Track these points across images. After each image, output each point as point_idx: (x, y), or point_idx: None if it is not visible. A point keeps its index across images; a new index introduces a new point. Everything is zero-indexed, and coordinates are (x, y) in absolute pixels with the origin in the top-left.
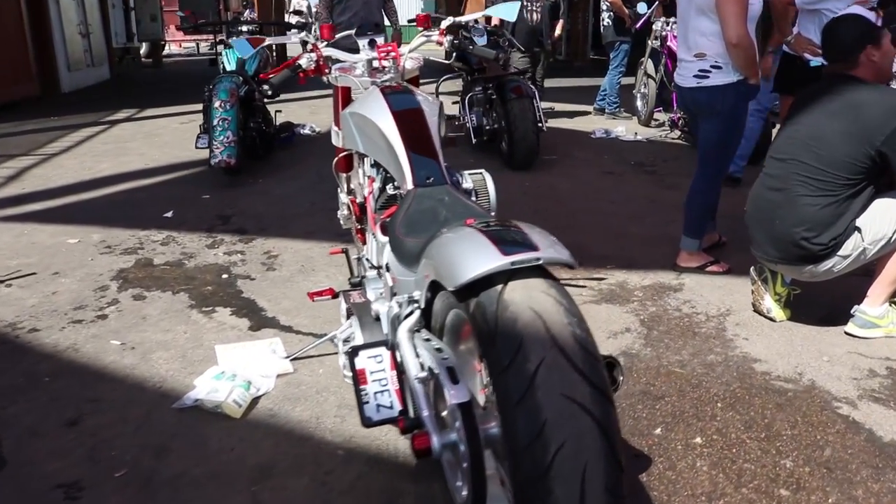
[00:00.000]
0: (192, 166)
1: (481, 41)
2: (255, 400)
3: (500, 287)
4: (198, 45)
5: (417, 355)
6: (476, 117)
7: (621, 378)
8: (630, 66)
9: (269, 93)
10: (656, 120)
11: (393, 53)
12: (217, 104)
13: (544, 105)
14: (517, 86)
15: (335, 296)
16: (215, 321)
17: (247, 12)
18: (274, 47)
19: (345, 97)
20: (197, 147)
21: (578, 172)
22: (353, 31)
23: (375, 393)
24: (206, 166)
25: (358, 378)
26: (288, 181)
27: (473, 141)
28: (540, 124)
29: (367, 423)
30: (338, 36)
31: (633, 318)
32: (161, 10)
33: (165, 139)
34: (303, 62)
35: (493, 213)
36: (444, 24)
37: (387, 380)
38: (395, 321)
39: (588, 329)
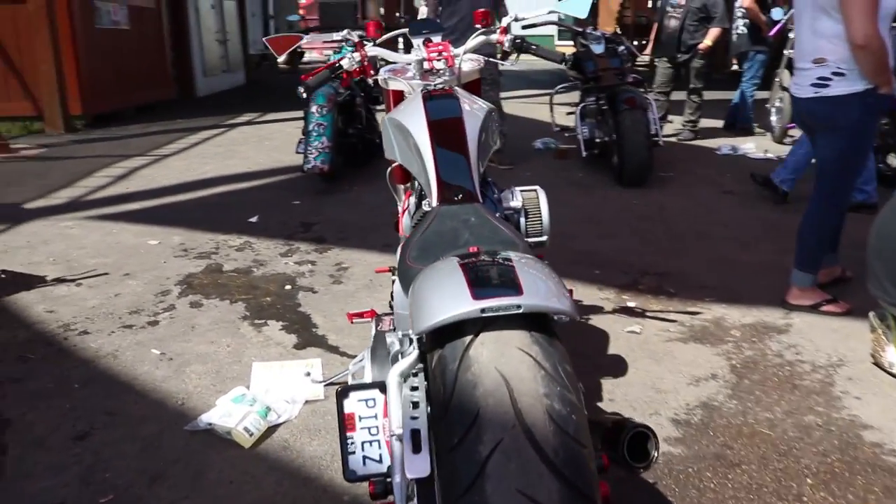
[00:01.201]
0: (291, 171)
1: (598, 48)
2: (274, 428)
3: (468, 339)
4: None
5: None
6: (588, 129)
7: (655, 453)
8: (765, 78)
9: (304, 95)
10: (791, 136)
11: (445, 54)
12: (314, 109)
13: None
14: (631, 97)
15: (377, 318)
16: (263, 335)
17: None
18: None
19: (396, 101)
20: (297, 152)
21: (694, 191)
22: (406, 30)
23: (363, 443)
24: (307, 173)
25: (345, 423)
26: (382, 190)
27: (584, 154)
28: (655, 138)
29: (350, 476)
30: (387, 35)
31: (724, 363)
32: (301, 18)
33: (275, 143)
34: (345, 63)
35: (545, 238)
36: (505, 21)
37: (377, 428)
38: (393, 361)
39: (577, 404)
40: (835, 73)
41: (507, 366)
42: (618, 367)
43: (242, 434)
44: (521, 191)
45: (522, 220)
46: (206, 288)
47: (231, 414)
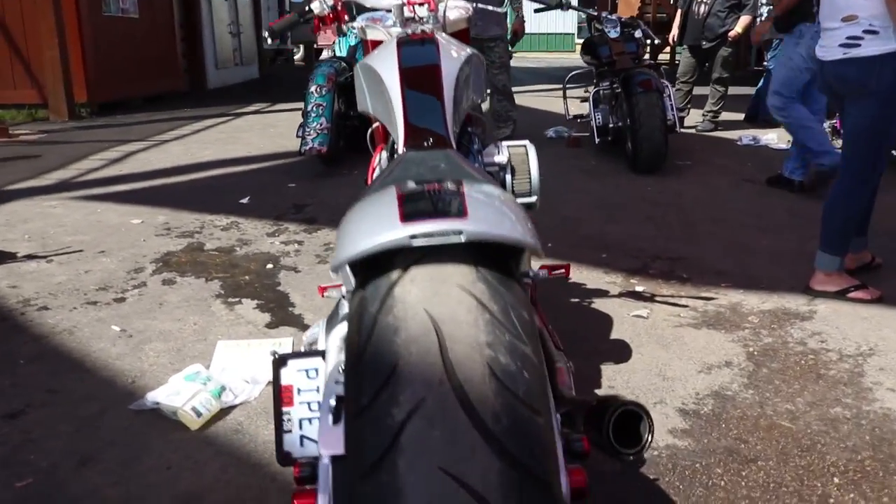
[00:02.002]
0: (292, 156)
1: (614, 33)
2: (229, 409)
3: (395, 275)
4: None
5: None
6: (602, 115)
7: (648, 437)
8: None
9: (269, 41)
10: None
11: None
12: (313, 89)
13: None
14: (646, 79)
15: None
16: (234, 314)
17: None
18: None
19: None
20: (297, 136)
21: (712, 180)
22: None
23: (301, 420)
24: (305, 156)
25: (281, 396)
26: None
27: (597, 141)
28: (670, 122)
29: (284, 460)
30: None
31: (739, 350)
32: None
33: (280, 130)
34: (315, 7)
35: (534, 199)
36: None
37: (319, 403)
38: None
39: (532, 359)
40: (866, 32)
41: (440, 306)
42: (620, 352)
43: (189, 415)
44: (509, 146)
45: (508, 177)
46: (183, 266)
47: (180, 392)
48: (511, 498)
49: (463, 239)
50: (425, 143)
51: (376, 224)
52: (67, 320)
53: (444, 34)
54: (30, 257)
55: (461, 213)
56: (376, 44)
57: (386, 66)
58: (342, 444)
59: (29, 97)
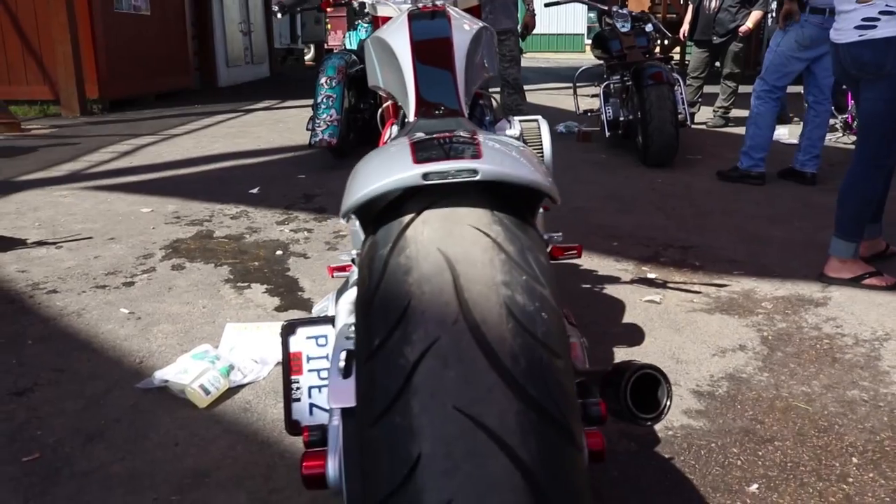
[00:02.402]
0: (301, 149)
1: (625, 27)
2: (237, 389)
3: (407, 218)
4: None
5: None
6: (612, 109)
7: (667, 402)
8: None
9: (279, 15)
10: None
11: None
12: (322, 80)
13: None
14: (657, 72)
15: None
16: (244, 298)
17: None
18: None
19: None
20: (307, 129)
21: None
22: None
23: (311, 388)
24: (315, 148)
25: (290, 364)
26: None
27: (607, 135)
28: (681, 116)
29: (293, 429)
30: None
31: (753, 334)
32: (325, 13)
33: (289, 125)
34: None
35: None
36: None
37: (329, 371)
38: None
39: (549, 301)
40: (883, 13)
41: (454, 246)
42: (633, 336)
43: (198, 392)
44: (521, 120)
45: None
46: (192, 252)
47: (188, 370)
48: (529, 439)
49: (478, 177)
50: (436, 112)
51: (387, 167)
52: (76, 303)
53: (454, 8)
54: (39, 243)
55: (476, 153)
56: (387, 20)
57: (397, 38)
58: (353, 395)
59: (41, 93)
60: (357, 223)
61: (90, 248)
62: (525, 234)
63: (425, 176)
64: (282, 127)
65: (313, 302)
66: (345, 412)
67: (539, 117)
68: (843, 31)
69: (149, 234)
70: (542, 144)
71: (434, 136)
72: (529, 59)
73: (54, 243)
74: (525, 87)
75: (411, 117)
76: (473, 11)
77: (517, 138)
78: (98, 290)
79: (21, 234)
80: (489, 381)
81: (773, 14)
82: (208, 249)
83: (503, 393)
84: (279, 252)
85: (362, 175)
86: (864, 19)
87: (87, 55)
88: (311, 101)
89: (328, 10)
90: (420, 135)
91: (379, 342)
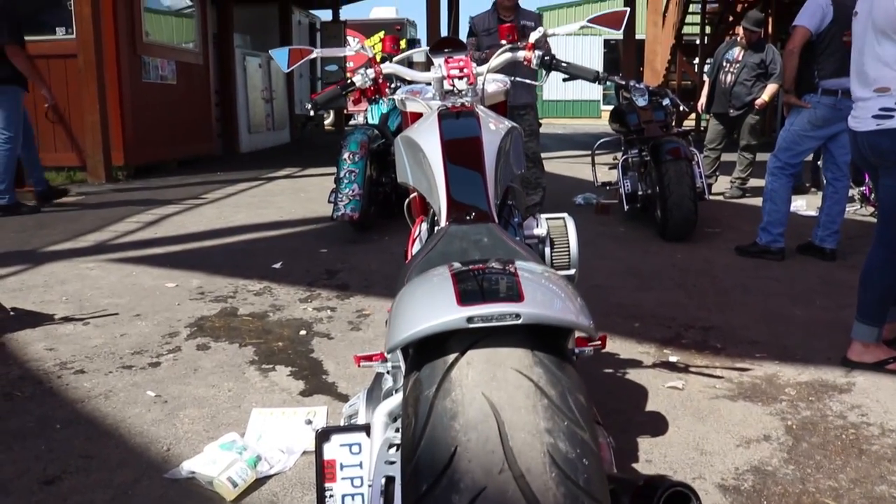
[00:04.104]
0: (323, 221)
1: (642, 101)
2: (264, 479)
3: (451, 358)
4: None
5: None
6: (631, 182)
7: None
8: None
9: (312, 112)
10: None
11: (466, 70)
12: (346, 156)
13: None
14: (675, 147)
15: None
16: (268, 381)
17: None
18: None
19: None
20: (329, 201)
21: None
22: (425, 48)
23: (344, 496)
24: (337, 221)
25: (324, 471)
26: None
27: (626, 208)
28: (699, 189)
29: None
30: (405, 53)
31: (778, 423)
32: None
33: (311, 195)
34: (356, 80)
35: (573, 271)
36: (534, 36)
37: (362, 479)
38: (379, 400)
39: (590, 446)
40: None
41: (498, 391)
42: (657, 424)
43: (225, 485)
44: (548, 218)
45: (547, 249)
46: (217, 331)
47: (216, 461)
48: None
49: (520, 321)
50: (467, 217)
51: (433, 305)
52: (103, 384)
53: (482, 107)
54: (66, 319)
55: (517, 295)
56: (416, 116)
57: (428, 138)
58: None
59: (68, 160)
60: (399, 354)
61: (116, 324)
62: (565, 375)
63: (470, 319)
64: (303, 197)
65: (337, 386)
66: None
67: (565, 215)
68: (861, 120)
69: (174, 310)
70: (568, 243)
71: (473, 267)
72: (546, 126)
73: (81, 319)
74: (543, 155)
75: (443, 221)
76: (500, 107)
77: (544, 237)
78: (125, 371)
79: (49, 308)
80: None
81: None
82: (233, 328)
83: None
84: (303, 332)
85: (408, 311)
86: (881, 109)
87: (114, 123)
88: (331, 169)
89: (354, 109)
90: (458, 265)
91: (426, 488)
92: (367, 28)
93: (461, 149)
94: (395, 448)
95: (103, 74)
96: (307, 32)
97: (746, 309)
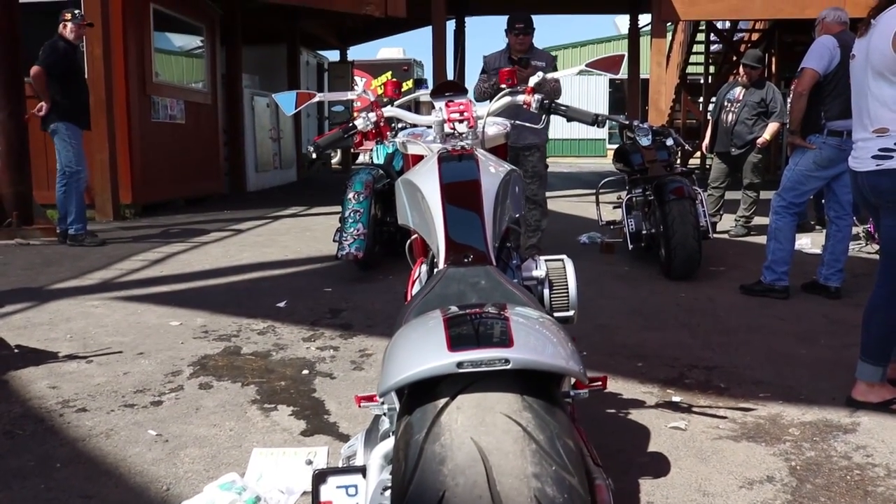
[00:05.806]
0: (328, 260)
1: (645, 140)
2: None
3: (441, 403)
4: None
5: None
6: (635, 221)
7: None
8: None
9: (314, 155)
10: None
11: (466, 114)
12: (350, 195)
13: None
14: (678, 186)
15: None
16: (270, 420)
17: None
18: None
19: None
20: (333, 241)
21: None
22: (427, 91)
23: None
24: (341, 260)
25: None
26: None
27: (630, 247)
28: (703, 228)
29: None
30: (412, 95)
31: (782, 464)
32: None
33: (316, 234)
34: (358, 123)
35: (571, 313)
36: (533, 80)
37: None
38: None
39: (578, 491)
40: None
41: (486, 436)
42: (658, 465)
43: None
44: (546, 260)
45: (546, 291)
46: (220, 370)
47: (215, 502)
48: None
49: (510, 366)
50: (465, 260)
51: (424, 350)
52: (104, 423)
53: (482, 150)
54: (70, 357)
55: (506, 340)
56: (417, 158)
57: (427, 181)
58: None
59: None
60: (394, 395)
61: (120, 363)
62: (554, 419)
63: (460, 364)
64: (308, 236)
65: (339, 426)
66: None
67: (564, 257)
68: (861, 160)
69: (177, 349)
70: (567, 285)
71: (466, 312)
72: (551, 164)
73: (85, 357)
74: (547, 194)
75: (441, 263)
76: (500, 150)
77: (543, 279)
78: (126, 410)
79: (53, 346)
80: None
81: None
82: (235, 367)
83: None
84: (305, 371)
85: (400, 355)
86: (880, 149)
87: (122, 162)
88: (337, 208)
89: (361, 148)
90: (453, 309)
91: None
92: (374, 68)
93: (460, 191)
94: (388, 490)
95: (113, 113)
96: (315, 73)
97: (751, 348)
